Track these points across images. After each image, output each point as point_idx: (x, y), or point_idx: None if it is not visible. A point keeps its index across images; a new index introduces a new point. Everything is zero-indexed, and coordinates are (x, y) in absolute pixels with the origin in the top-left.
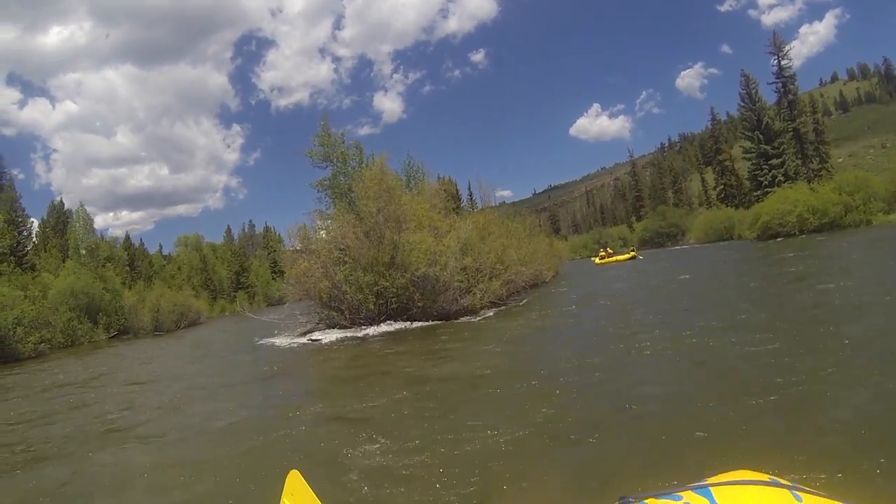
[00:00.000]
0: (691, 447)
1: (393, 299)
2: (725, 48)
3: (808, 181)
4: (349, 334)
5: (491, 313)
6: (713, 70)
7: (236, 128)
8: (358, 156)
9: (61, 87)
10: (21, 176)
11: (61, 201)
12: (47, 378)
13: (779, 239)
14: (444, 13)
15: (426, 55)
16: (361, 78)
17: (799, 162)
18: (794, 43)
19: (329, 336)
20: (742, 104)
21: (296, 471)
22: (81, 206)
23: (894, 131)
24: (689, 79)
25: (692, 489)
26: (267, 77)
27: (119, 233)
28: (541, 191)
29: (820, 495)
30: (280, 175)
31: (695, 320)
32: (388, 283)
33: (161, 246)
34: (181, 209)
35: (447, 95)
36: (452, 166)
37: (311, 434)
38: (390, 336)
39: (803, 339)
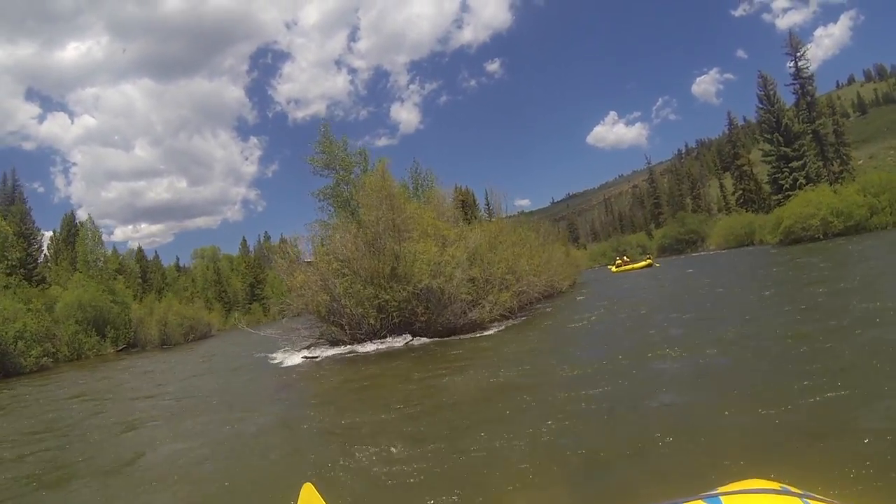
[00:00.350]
0: (703, 457)
1: (395, 313)
2: (741, 53)
3: (830, 183)
4: (347, 351)
5: (502, 327)
6: (729, 75)
7: (254, 140)
8: (363, 163)
9: (80, 102)
10: (41, 189)
11: (72, 214)
12: (38, 394)
13: (804, 244)
14: (458, 23)
15: (442, 65)
16: (378, 89)
17: (820, 164)
18: (810, 46)
19: (326, 352)
20: (760, 106)
21: (309, 483)
22: (89, 217)
23: None
24: (705, 84)
25: (702, 498)
26: (283, 89)
27: (138, 245)
28: (559, 199)
29: (832, 503)
30: (298, 187)
31: (711, 330)
32: (388, 297)
33: (178, 258)
34: (200, 222)
35: (463, 105)
36: (470, 176)
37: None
38: (390, 353)
39: (826, 348)
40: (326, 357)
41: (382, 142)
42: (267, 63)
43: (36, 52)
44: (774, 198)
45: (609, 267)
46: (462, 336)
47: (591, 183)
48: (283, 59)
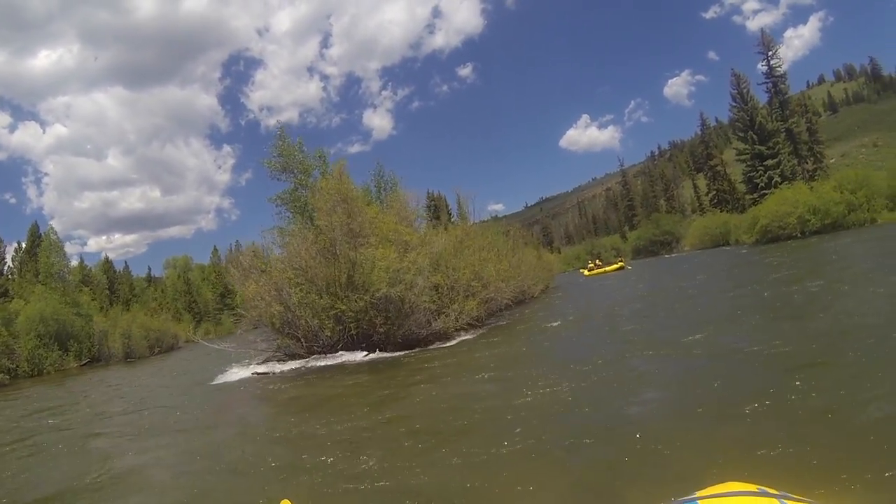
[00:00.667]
0: (680, 462)
1: (352, 324)
2: (712, 55)
3: (805, 181)
4: (303, 365)
5: (469, 337)
6: (700, 77)
7: (227, 148)
8: (322, 166)
9: (51, 111)
10: (13, 200)
11: (36, 224)
12: None
13: (781, 242)
14: (430, 28)
15: (414, 71)
16: (350, 96)
17: (795, 162)
18: (780, 47)
19: (280, 367)
20: (734, 104)
21: (287, 501)
22: (51, 227)
23: (885, 129)
24: (677, 86)
25: (680, 503)
26: (256, 97)
27: (112, 256)
28: (532, 203)
29: (809, 503)
30: (271, 195)
31: (681, 333)
32: (344, 307)
33: (150, 269)
34: (174, 231)
35: (436, 111)
36: (444, 181)
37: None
38: (346, 367)
39: (801, 349)
40: (279, 373)
41: (355, 148)
42: (239, 70)
43: (6, 60)
44: (749, 197)
45: (581, 271)
46: (426, 347)
47: (565, 186)
48: (255, 66)
